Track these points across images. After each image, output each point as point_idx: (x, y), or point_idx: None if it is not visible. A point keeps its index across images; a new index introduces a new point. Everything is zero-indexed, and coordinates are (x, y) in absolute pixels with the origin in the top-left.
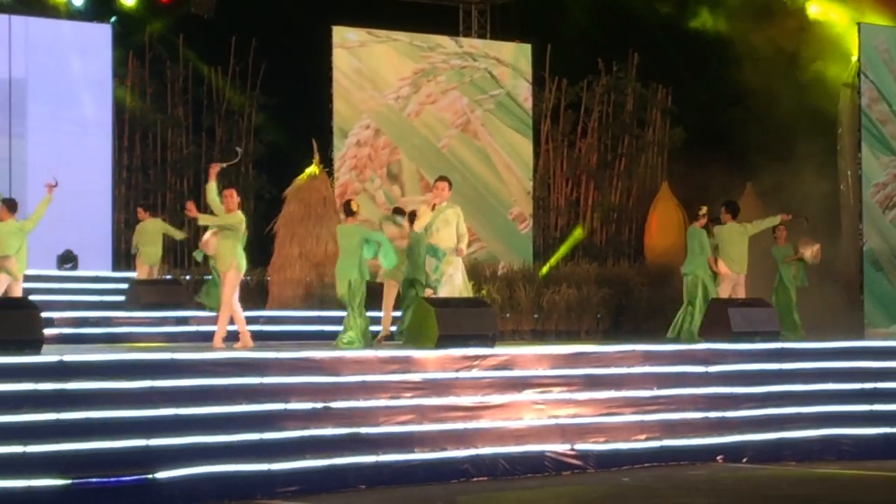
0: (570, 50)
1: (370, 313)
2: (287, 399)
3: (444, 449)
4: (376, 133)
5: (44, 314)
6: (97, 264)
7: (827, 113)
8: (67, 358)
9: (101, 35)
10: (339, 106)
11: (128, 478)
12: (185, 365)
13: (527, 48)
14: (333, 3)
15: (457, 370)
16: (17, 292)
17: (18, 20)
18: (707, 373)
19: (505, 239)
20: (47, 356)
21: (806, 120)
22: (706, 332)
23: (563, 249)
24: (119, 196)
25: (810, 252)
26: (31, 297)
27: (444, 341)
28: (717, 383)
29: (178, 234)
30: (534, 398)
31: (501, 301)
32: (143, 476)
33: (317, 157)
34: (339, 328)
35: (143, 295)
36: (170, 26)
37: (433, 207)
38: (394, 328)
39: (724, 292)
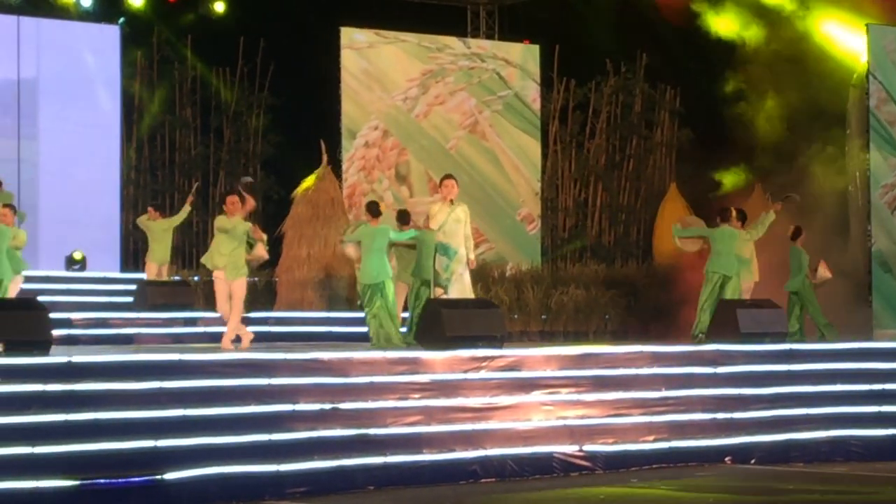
0: (579, 51)
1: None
2: (295, 400)
3: (453, 450)
4: (384, 134)
5: (52, 315)
6: (105, 265)
7: (836, 114)
8: (76, 359)
9: (109, 36)
10: (347, 107)
11: (136, 479)
12: (193, 366)
13: (535, 49)
14: (341, 4)
15: (465, 371)
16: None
17: (27, 21)
18: (715, 374)
19: (513, 240)
20: (55, 357)
21: (814, 121)
22: (714, 334)
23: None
24: (127, 197)
25: (819, 277)
26: (40, 298)
27: (452, 342)
28: (726, 384)
29: (184, 212)
30: (542, 399)
31: (509, 302)
32: (152, 477)
33: (325, 158)
34: (347, 329)
35: (151, 296)
36: (178, 27)
37: (451, 202)
38: (403, 329)
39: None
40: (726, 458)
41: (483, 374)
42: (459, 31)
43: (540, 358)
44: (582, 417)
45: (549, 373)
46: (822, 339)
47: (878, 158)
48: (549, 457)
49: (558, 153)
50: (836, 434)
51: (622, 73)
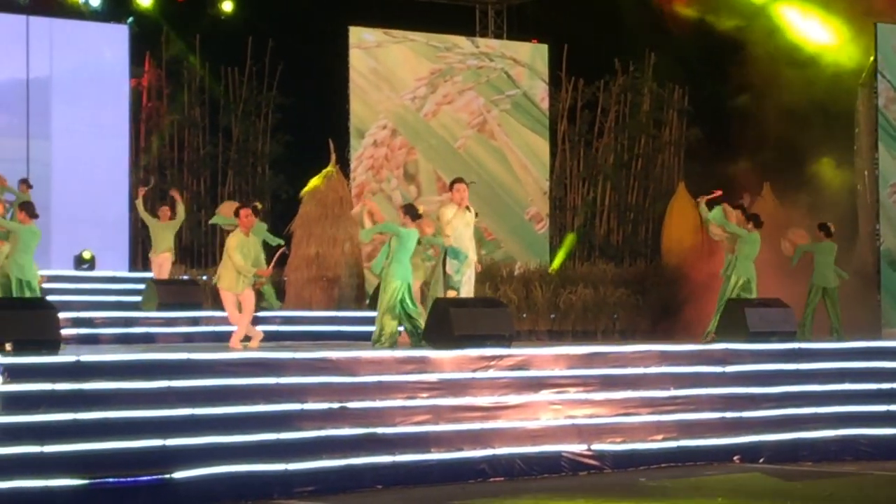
0: (587, 50)
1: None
2: (304, 399)
3: (461, 449)
4: (393, 133)
5: (61, 314)
6: (114, 264)
7: (844, 113)
8: (84, 358)
9: (117, 35)
10: (355, 106)
11: (145, 478)
12: (201, 365)
13: (543, 48)
14: (350, 3)
15: (473, 370)
16: None
17: (38, 21)
18: (724, 373)
19: (521, 239)
20: (64, 356)
21: (823, 120)
22: (723, 333)
23: (560, 255)
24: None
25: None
26: (49, 298)
27: (460, 341)
28: (734, 383)
29: (180, 208)
30: (550, 398)
31: (518, 301)
32: (160, 476)
33: (333, 157)
34: (355, 328)
35: (160, 295)
36: (187, 27)
37: (468, 208)
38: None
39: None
40: (735, 458)
41: (491, 374)
42: (468, 30)
43: (548, 357)
44: (590, 416)
45: (557, 372)
46: (836, 338)
47: (887, 157)
48: (558, 456)
49: (567, 152)
50: (845, 433)
51: (630, 72)
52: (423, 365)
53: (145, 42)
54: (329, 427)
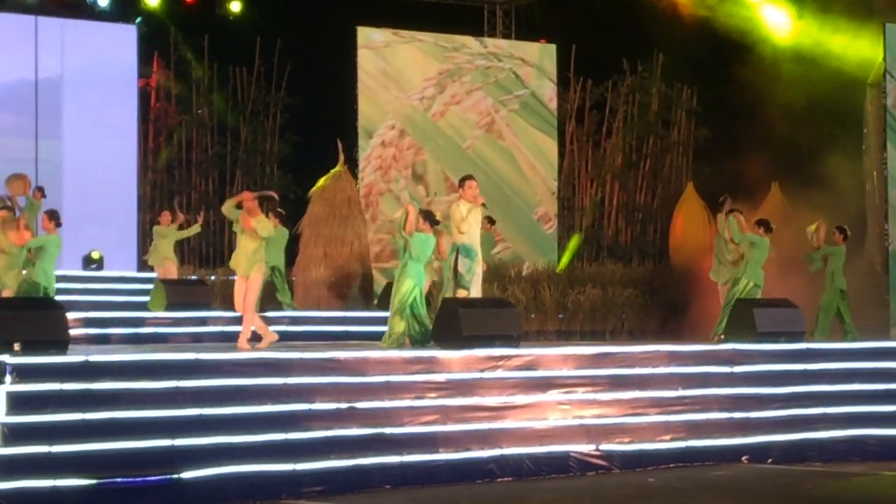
0: (595, 50)
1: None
2: (312, 399)
3: (469, 449)
4: (401, 133)
5: (70, 314)
6: (122, 265)
7: (853, 113)
8: (93, 358)
9: (126, 36)
10: (363, 106)
11: (153, 478)
12: (210, 365)
13: (551, 48)
14: (358, 3)
15: (481, 370)
16: None
17: (47, 21)
18: (732, 373)
19: (530, 239)
20: (73, 356)
21: (832, 120)
22: (731, 333)
23: (566, 257)
24: (144, 197)
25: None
26: (57, 298)
27: (468, 341)
28: (743, 384)
29: (190, 231)
30: (558, 398)
31: (526, 301)
32: (169, 476)
33: (342, 157)
34: (363, 328)
35: (169, 295)
36: (195, 27)
37: (484, 205)
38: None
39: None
40: (743, 458)
41: (499, 374)
42: (476, 30)
43: (556, 357)
44: (598, 417)
45: (565, 372)
46: (850, 339)
47: (895, 157)
48: (566, 456)
49: (575, 152)
50: (854, 433)
51: (639, 72)
52: (431, 365)
53: (154, 42)
54: (337, 427)
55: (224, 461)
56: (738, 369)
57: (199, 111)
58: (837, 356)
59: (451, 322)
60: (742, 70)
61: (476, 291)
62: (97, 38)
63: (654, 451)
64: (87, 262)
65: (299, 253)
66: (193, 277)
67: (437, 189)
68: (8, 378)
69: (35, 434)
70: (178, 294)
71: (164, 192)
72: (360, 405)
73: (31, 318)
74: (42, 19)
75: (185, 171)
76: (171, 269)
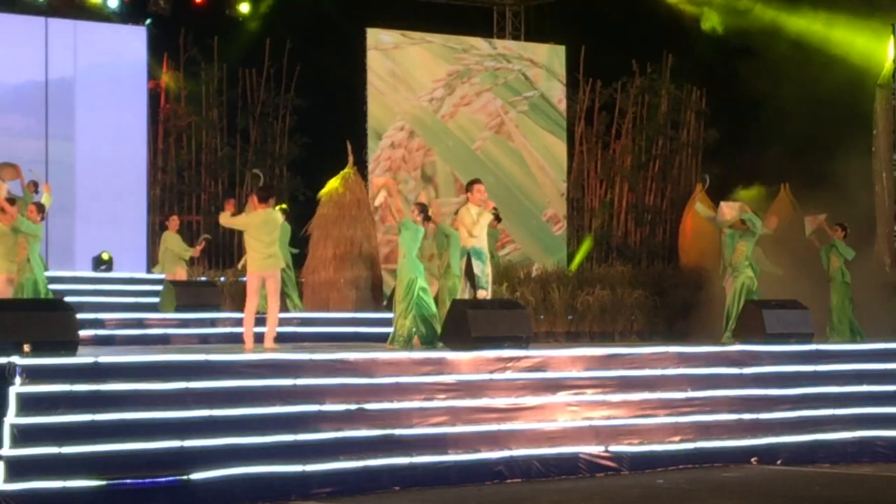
0: (604, 51)
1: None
2: (321, 400)
3: (478, 450)
4: (410, 135)
5: (79, 315)
6: (132, 266)
7: (863, 114)
8: (102, 359)
9: (135, 37)
10: (373, 108)
11: (162, 479)
12: (219, 366)
13: (561, 50)
14: (367, 5)
15: (491, 372)
16: None
17: (55, 23)
18: (741, 374)
19: (539, 240)
20: (82, 357)
21: (841, 121)
22: (740, 334)
23: (578, 257)
24: (154, 198)
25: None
26: (67, 299)
27: (477, 343)
28: (752, 385)
29: (186, 253)
30: (568, 400)
31: (535, 303)
32: (178, 477)
33: (351, 158)
34: (373, 329)
35: (178, 296)
36: (204, 28)
37: (494, 209)
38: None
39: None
40: (752, 459)
41: (509, 375)
42: (485, 31)
43: (565, 358)
44: (607, 418)
45: (574, 373)
46: (859, 339)
47: None
48: (575, 457)
49: (584, 154)
50: (863, 435)
51: (648, 73)
52: (440, 366)
53: (163, 43)
54: (347, 428)
55: (233, 462)
56: (747, 370)
57: (209, 112)
58: (846, 357)
59: (460, 323)
60: (751, 71)
61: (489, 292)
62: (107, 39)
63: (664, 453)
64: (97, 263)
65: (308, 254)
66: (203, 279)
67: (446, 190)
68: (18, 379)
69: (45, 435)
70: (188, 295)
71: (173, 193)
72: (369, 406)
73: (41, 320)
74: (52, 21)
75: (194, 172)
76: (181, 272)
